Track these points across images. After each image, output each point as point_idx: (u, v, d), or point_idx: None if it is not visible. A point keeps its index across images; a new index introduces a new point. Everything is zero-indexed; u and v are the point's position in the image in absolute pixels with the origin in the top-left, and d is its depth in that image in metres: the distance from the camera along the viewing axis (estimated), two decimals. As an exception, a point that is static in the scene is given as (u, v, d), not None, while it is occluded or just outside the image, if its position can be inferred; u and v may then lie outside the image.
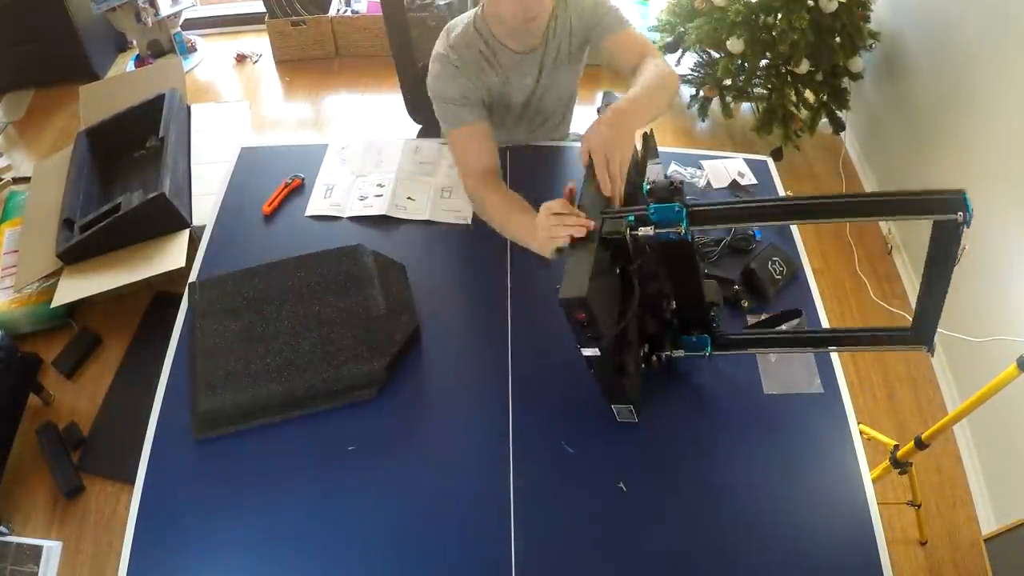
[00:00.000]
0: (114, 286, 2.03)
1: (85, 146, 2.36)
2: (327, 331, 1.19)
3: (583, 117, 1.60)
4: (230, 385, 1.13)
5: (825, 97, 2.78)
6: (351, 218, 1.48)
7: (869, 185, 2.88)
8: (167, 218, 2.11)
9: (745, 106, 3.08)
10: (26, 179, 2.60)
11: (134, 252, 2.11)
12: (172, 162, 2.22)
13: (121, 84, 2.76)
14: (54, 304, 2.06)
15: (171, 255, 2.08)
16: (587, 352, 0.97)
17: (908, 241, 2.60)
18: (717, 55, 2.90)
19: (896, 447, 1.74)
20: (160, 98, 2.42)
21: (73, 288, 2.06)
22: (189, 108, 2.54)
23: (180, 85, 2.56)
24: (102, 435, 2.04)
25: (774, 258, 1.36)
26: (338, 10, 3.31)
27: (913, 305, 2.47)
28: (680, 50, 2.99)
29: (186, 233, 2.10)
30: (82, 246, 2.07)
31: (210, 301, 1.24)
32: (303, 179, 1.55)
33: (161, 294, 2.35)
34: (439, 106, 1.38)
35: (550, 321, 1.29)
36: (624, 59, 1.39)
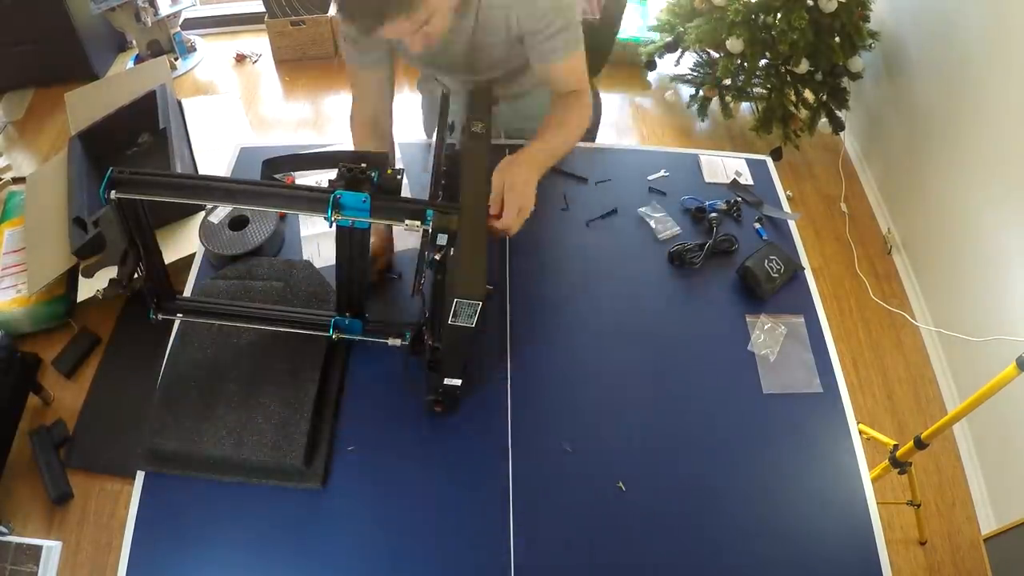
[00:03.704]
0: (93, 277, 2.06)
1: (79, 149, 2.38)
2: (256, 410, 1.12)
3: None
4: (180, 432, 1.09)
5: (825, 97, 2.78)
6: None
7: (868, 184, 2.89)
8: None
9: (744, 106, 3.08)
10: (25, 180, 2.60)
11: (150, 240, 2.15)
12: (178, 150, 2.24)
13: (107, 87, 2.76)
14: (80, 299, 2.09)
15: (189, 239, 2.11)
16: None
17: (908, 241, 2.60)
18: (716, 55, 2.90)
19: (896, 447, 1.74)
20: (150, 96, 2.44)
21: (94, 282, 2.08)
22: (180, 103, 2.55)
23: (167, 83, 2.57)
24: (86, 432, 2.05)
25: (771, 257, 1.36)
26: (338, 10, 3.31)
27: (913, 304, 2.47)
28: (680, 50, 2.99)
29: (200, 216, 2.13)
30: (99, 239, 2.09)
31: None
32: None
33: (138, 293, 2.35)
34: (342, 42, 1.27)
35: (549, 320, 1.30)
36: (553, 87, 1.27)
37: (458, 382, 1.06)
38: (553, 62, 1.20)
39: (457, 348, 1.00)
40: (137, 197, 0.97)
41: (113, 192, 0.94)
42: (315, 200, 0.94)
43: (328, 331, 1.15)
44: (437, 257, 0.97)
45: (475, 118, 1.12)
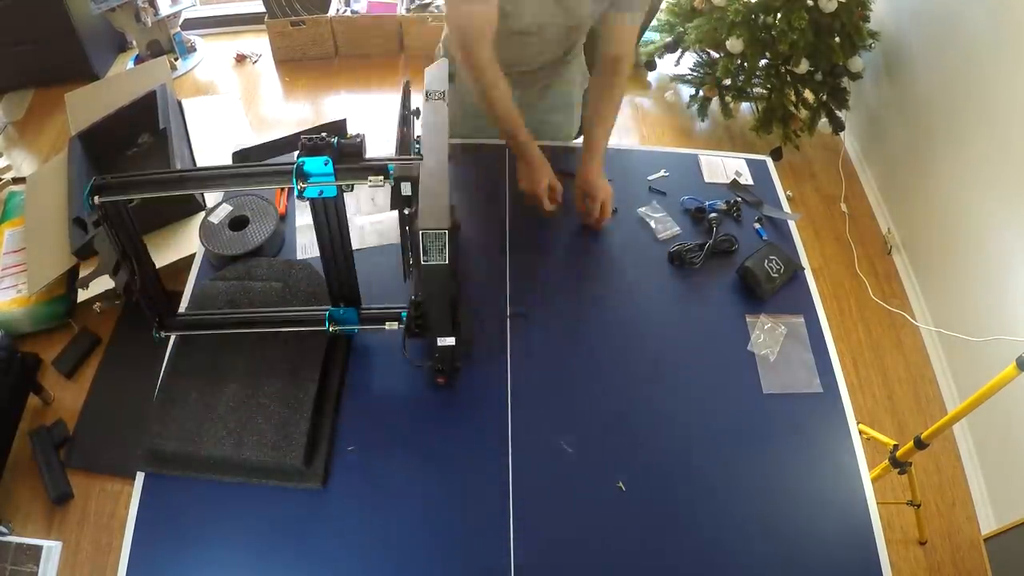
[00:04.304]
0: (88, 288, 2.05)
1: (79, 149, 2.38)
2: (256, 410, 1.12)
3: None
4: (180, 433, 1.09)
5: (825, 97, 2.78)
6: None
7: (868, 184, 2.89)
8: (182, 203, 2.14)
9: (745, 106, 3.08)
10: (25, 180, 2.60)
11: (150, 240, 2.14)
12: (178, 150, 2.23)
13: (106, 87, 2.76)
14: (80, 299, 2.09)
15: (189, 239, 2.10)
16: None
17: (908, 241, 2.60)
18: (717, 55, 2.90)
19: (896, 447, 1.74)
20: (150, 96, 2.44)
21: (95, 282, 2.08)
22: (180, 103, 2.55)
23: (167, 83, 2.57)
24: (87, 432, 2.06)
25: (771, 257, 1.36)
26: (338, 10, 3.31)
27: (913, 304, 2.48)
28: (680, 50, 2.99)
29: (200, 216, 2.14)
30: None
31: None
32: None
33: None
34: None
35: (549, 321, 1.30)
36: (609, 45, 1.40)
37: (451, 341, 1.07)
38: (629, 22, 1.36)
39: (436, 294, 1.01)
40: (119, 198, 0.99)
41: (96, 198, 0.97)
42: (280, 173, 0.97)
43: (324, 325, 1.16)
44: (407, 212, 1.01)
45: (434, 88, 1.16)
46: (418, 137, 1.17)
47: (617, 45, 1.39)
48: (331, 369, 1.20)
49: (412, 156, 1.00)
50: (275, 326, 1.18)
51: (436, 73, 1.20)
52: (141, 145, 2.46)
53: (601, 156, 1.42)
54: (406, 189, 0.98)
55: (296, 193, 0.97)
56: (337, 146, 0.97)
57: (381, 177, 0.97)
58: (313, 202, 1.01)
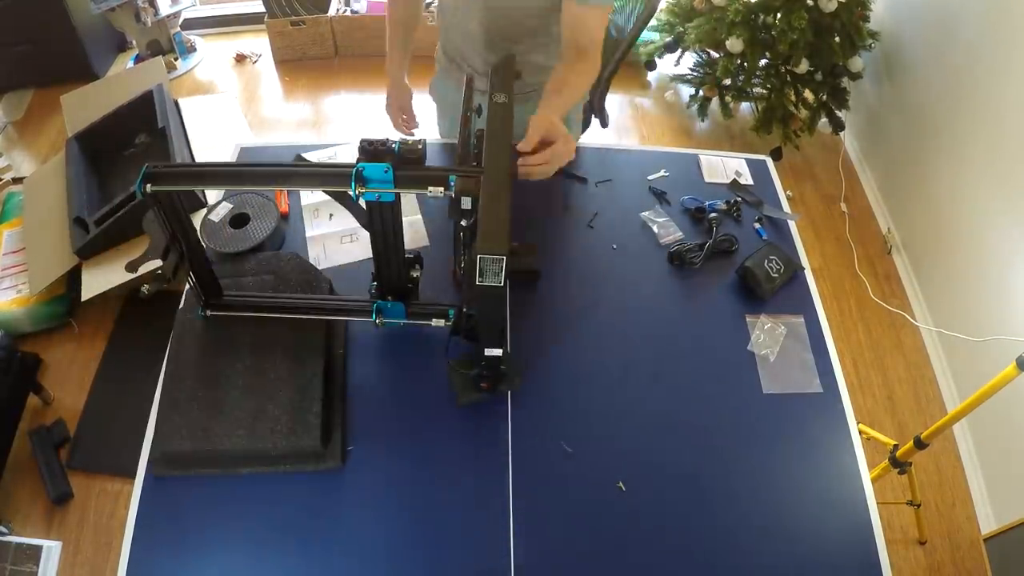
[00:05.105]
0: (138, 273, 2.06)
1: (77, 150, 2.39)
2: (265, 399, 1.12)
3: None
4: (193, 432, 1.09)
5: (824, 97, 2.78)
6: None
7: (868, 184, 2.89)
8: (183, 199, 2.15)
9: (744, 106, 3.08)
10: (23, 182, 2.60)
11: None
12: (178, 149, 2.24)
13: (102, 88, 2.76)
14: (84, 298, 2.10)
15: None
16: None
17: (908, 241, 2.60)
18: (716, 55, 2.90)
19: (895, 447, 1.74)
20: (147, 96, 2.44)
21: (98, 281, 2.11)
22: (177, 103, 2.55)
23: (164, 83, 2.57)
24: (88, 433, 2.07)
25: (771, 257, 1.36)
26: (338, 10, 3.31)
27: (913, 304, 2.47)
28: (680, 50, 3.00)
29: (202, 213, 2.14)
30: (101, 239, 2.12)
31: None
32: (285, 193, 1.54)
33: (135, 291, 2.35)
34: None
35: (549, 321, 1.30)
36: (569, 34, 1.31)
37: (498, 352, 1.06)
38: (588, 3, 1.26)
39: (489, 311, 1.00)
40: (171, 188, 0.98)
41: (149, 186, 0.96)
42: (339, 175, 0.96)
43: (371, 316, 1.16)
44: (464, 223, 0.99)
45: (498, 90, 1.14)
46: (479, 133, 1.14)
47: (582, 33, 1.28)
48: (333, 355, 1.21)
49: (473, 169, 0.97)
50: (322, 313, 1.19)
51: (501, 73, 1.18)
52: (138, 145, 2.46)
53: (555, 106, 1.24)
54: (466, 203, 0.96)
55: (354, 198, 0.96)
56: (399, 153, 0.95)
57: (441, 188, 0.95)
58: (369, 203, 1.00)
